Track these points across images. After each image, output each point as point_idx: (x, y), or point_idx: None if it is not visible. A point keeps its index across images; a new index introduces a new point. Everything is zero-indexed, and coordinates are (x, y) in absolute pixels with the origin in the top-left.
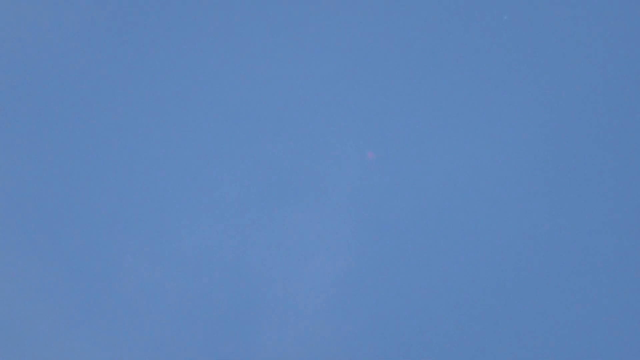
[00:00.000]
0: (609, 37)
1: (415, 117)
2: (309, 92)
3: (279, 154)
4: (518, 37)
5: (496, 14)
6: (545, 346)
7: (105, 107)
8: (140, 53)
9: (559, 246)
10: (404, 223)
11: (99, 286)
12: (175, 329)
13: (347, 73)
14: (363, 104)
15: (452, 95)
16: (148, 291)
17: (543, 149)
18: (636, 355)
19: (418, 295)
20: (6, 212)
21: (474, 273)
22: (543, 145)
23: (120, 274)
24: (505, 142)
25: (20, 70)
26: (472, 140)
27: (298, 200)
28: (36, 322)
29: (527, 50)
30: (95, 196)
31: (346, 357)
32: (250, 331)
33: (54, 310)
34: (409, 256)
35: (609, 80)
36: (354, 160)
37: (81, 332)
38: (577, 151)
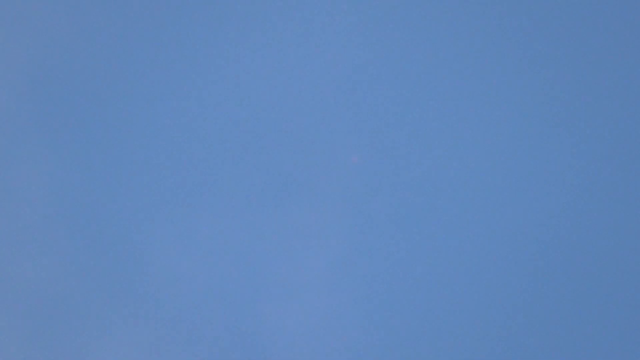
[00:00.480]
0: (609, 37)
1: (404, 119)
2: (300, 93)
3: (273, 154)
4: (501, 37)
5: (485, 15)
6: (537, 342)
7: (104, 106)
8: (143, 54)
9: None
10: (398, 220)
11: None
12: (174, 325)
13: (338, 74)
14: (353, 105)
15: (439, 96)
16: (148, 289)
17: (528, 146)
18: (636, 355)
19: (411, 287)
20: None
21: (466, 269)
22: (527, 143)
23: (123, 274)
24: (497, 141)
25: (23, 69)
26: (460, 139)
27: (293, 199)
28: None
29: (512, 49)
30: (99, 198)
31: (342, 350)
32: (247, 328)
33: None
34: (403, 252)
35: (609, 80)
36: (347, 159)
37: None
38: (570, 151)
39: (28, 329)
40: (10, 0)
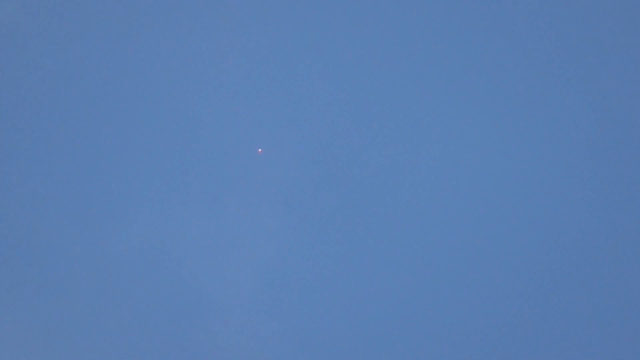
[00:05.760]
0: (610, 38)
1: (335, 117)
2: (230, 96)
3: (208, 153)
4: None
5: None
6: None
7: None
8: (139, 54)
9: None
10: (329, 219)
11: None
12: (108, 323)
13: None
14: (297, 108)
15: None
16: (79, 292)
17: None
18: (636, 355)
19: (337, 288)
20: None
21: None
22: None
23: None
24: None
25: (21, 69)
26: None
27: (225, 199)
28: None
29: (503, 50)
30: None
31: (270, 348)
32: (179, 325)
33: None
34: (332, 253)
35: (608, 80)
36: (277, 159)
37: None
38: (573, 152)
39: (35, 322)
40: (11, 4)
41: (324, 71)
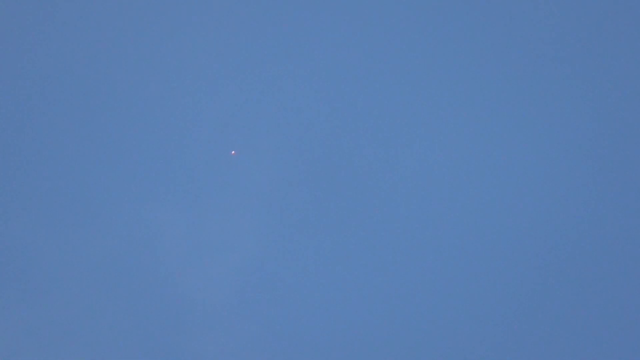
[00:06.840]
0: (612, 39)
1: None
2: (211, 97)
3: (189, 154)
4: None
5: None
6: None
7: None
8: (137, 55)
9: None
10: (310, 221)
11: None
12: (92, 322)
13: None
14: (265, 111)
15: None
16: (60, 292)
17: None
18: (636, 355)
19: (315, 290)
20: None
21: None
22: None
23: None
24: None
25: (21, 70)
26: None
27: (208, 201)
28: None
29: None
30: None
31: (249, 348)
32: (161, 325)
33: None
34: (311, 255)
35: (606, 81)
36: (259, 160)
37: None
38: (575, 153)
39: (36, 324)
40: (12, 4)
41: (304, 72)
